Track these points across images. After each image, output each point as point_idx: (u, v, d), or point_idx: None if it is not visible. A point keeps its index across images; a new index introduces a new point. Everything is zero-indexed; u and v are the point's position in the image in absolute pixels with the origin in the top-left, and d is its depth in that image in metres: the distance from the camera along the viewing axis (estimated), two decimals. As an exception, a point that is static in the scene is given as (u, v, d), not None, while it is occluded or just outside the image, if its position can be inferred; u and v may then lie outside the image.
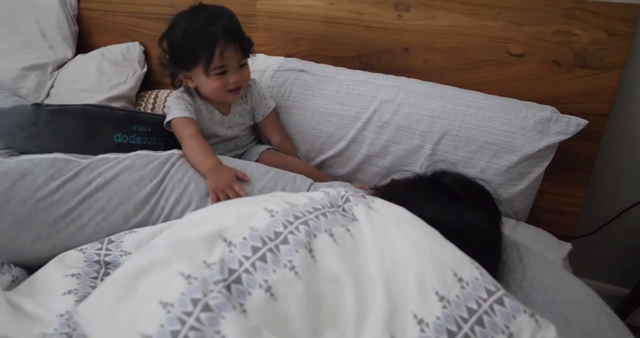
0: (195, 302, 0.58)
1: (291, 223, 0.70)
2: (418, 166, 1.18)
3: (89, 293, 0.81)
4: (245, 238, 0.68)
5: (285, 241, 0.68)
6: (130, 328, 0.59)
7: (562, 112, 1.13)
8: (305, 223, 0.71)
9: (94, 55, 1.61)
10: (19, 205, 0.91)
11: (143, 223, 0.96)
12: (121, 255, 0.89)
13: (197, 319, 0.57)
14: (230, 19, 1.12)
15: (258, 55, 1.38)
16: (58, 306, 0.80)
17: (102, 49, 1.63)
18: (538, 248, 1.01)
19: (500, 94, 1.21)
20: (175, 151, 1.07)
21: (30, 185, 0.92)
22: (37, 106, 1.06)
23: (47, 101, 1.50)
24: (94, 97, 1.48)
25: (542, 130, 1.10)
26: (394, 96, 1.19)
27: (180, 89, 1.20)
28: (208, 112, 1.20)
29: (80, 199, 0.94)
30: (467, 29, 1.23)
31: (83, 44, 1.73)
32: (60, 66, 1.61)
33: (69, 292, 0.82)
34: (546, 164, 1.13)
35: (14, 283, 0.91)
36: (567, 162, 1.22)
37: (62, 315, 0.77)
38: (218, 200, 0.97)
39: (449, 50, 1.27)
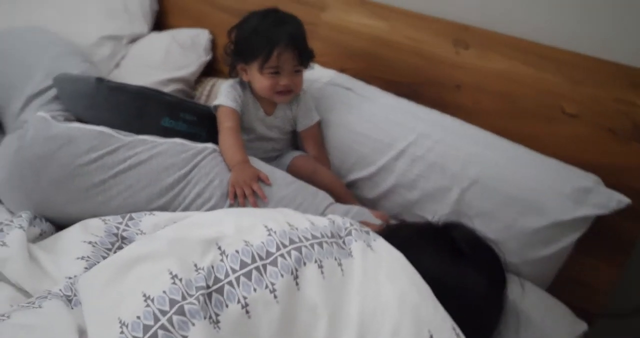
0: (172, 303, 0.63)
1: (285, 246, 0.73)
2: (444, 207, 1.17)
3: (98, 262, 0.88)
4: (237, 251, 0.71)
5: (274, 263, 0.71)
6: (112, 310, 0.65)
7: (606, 185, 1.08)
8: (299, 249, 0.73)
9: (165, 35, 1.70)
10: (60, 167, 1.00)
11: (164, 208, 1.03)
12: (137, 234, 0.96)
13: (170, 320, 0.61)
14: (297, 27, 1.18)
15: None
16: (69, 268, 0.87)
17: (174, 30, 1.72)
18: (547, 322, 0.97)
19: (544, 151, 1.18)
20: (209, 145, 1.13)
21: (73, 151, 1.01)
22: (100, 80, 1.15)
23: (115, 72, 1.60)
24: (157, 75, 1.57)
25: (578, 199, 1.06)
26: (432, 132, 1.18)
27: (236, 79, 1.26)
28: (254, 108, 1.26)
29: (113, 174, 1.01)
30: (522, 78, 1.20)
31: (160, 23, 1.84)
32: (134, 40, 1.71)
33: (82, 257, 0.89)
34: (578, 235, 1.08)
35: (41, 236, 1.01)
36: (605, 237, 1.14)
37: (70, 278, 0.85)
38: (235, 194, 1.02)
39: (501, 96, 1.25)
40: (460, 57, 1.27)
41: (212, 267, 0.69)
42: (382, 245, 0.80)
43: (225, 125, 1.18)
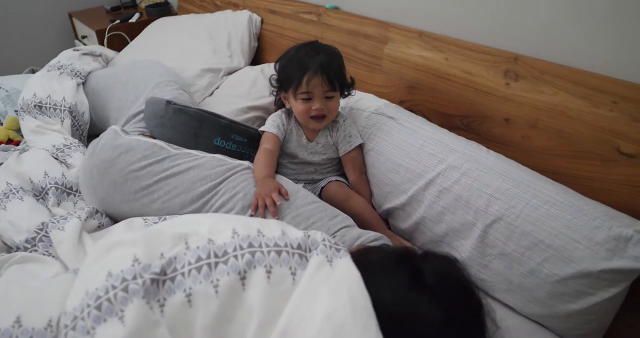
0: (123, 281, 0.72)
1: (242, 249, 0.78)
2: (468, 244, 1.10)
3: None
4: (198, 247, 0.79)
5: (225, 262, 0.76)
6: (87, 281, 0.77)
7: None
8: (253, 253, 0.78)
9: (256, 69, 1.90)
10: (118, 171, 1.20)
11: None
12: None
13: (115, 295, 0.71)
14: (330, 55, 1.24)
15: (367, 95, 1.46)
16: None
17: (264, 65, 1.92)
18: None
19: (596, 194, 1.04)
20: (245, 162, 1.24)
21: (129, 159, 1.20)
22: (168, 103, 1.36)
23: (208, 99, 1.84)
24: (240, 103, 1.76)
25: (614, 249, 0.91)
26: (461, 164, 1.13)
27: (282, 109, 1.37)
28: (297, 135, 1.34)
29: (157, 180, 1.17)
30: (575, 113, 1.09)
31: (258, 58, 2.06)
32: (231, 73, 1.95)
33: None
34: (617, 290, 0.93)
35: (99, 228, 1.21)
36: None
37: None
38: (257, 205, 1.10)
39: (551, 132, 1.14)
40: (509, 89, 1.20)
41: (175, 258, 0.77)
42: (344, 264, 0.80)
43: (264, 146, 1.28)
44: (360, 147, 1.35)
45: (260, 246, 0.79)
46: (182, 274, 0.75)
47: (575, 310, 0.96)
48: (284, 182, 1.21)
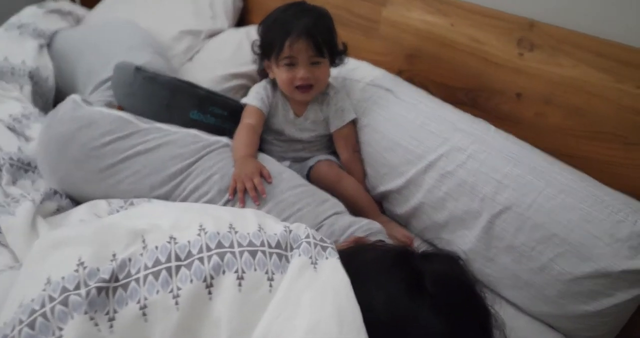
0: (63, 291, 0.60)
1: (209, 249, 0.66)
2: (472, 234, 0.99)
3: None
4: (157, 248, 0.66)
5: (189, 266, 0.64)
6: (23, 287, 0.65)
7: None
8: (222, 255, 0.66)
9: (240, 32, 1.73)
10: (78, 147, 1.05)
11: (165, 197, 1.02)
12: None
13: (52, 309, 0.59)
14: (317, 18, 1.10)
15: (362, 63, 1.32)
16: None
17: (249, 27, 1.74)
18: None
19: (616, 181, 0.93)
20: (223, 139, 1.10)
21: (91, 133, 1.05)
22: (137, 69, 1.20)
23: (188, 65, 1.67)
24: (222, 69, 1.59)
25: (638, 247, 0.81)
26: (467, 145, 1.01)
27: (268, 79, 1.23)
28: (284, 110, 1.20)
29: (122, 158, 1.03)
30: (597, 89, 0.96)
31: (243, 20, 1.88)
32: (212, 35, 1.78)
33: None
34: (639, 292, 0.84)
35: (58, 211, 1.07)
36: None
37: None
38: (235, 188, 0.98)
39: (568, 109, 1.01)
40: (523, 61, 1.06)
41: (130, 260, 0.65)
42: (330, 266, 0.68)
43: (245, 121, 1.15)
44: (354, 122, 1.22)
45: (231, 246, 0.67)
46: (137, 281, 0.63)
47: (589, 312, 0.86)
48: (267, 161, 1.08)
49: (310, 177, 1.19)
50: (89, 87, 1.41)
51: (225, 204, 0.99)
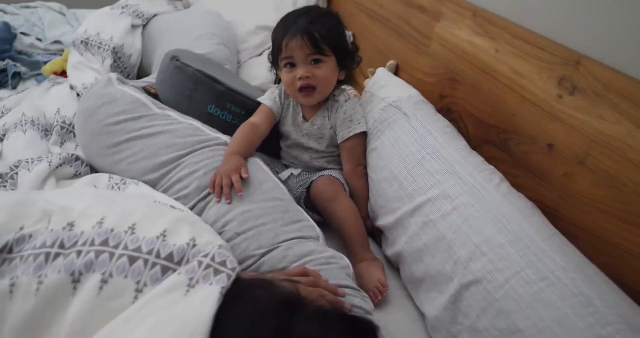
0: None
1: (92, 245, 0.65)
2: (440, 302, 0.82)
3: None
4: (52, 230, 0.68)
5: (67, 256, 0.64)
6: None
7: None
8: (99, 254, 0.64)
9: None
10: (96, 122, 1.12)
11: (151, 184, 1.04)
12: None
13: None
14: (317, 17, 1.06)
15: (396, 80, 1.20)
16: None
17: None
18: None
19: (636, 280, 0.70)
20: (223, 137, 1.09)
21: (108, 111, 1.11)
22: (172, 58, 1.23)
23: (254, 61, 1.68)
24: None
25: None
26: (456, 194, 0.84)
27: None
28: (294, 112, 1.16)
29: (128, 138, 1.07)
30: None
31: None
32: (289, 33, 1.77)
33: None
34: None
35: (75, 176, 1.15)
36: None
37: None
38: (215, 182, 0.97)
39: (602, 176, 0.78)
40: (561, 104, 0.85)
41: (31, 236, 0.67)
42: (204, 295, 0.61)
43: (250, 119, 1.13)
44: (364, 135, 1.11)
45: (116, 246, 0.65)
46: (21, 258, 0.65)
47: None
48: (254, 164, 1.03)
49: (310, 191, 1.11)
50: (154, 69, 1.50)
51: (201, 201, 0.97)
